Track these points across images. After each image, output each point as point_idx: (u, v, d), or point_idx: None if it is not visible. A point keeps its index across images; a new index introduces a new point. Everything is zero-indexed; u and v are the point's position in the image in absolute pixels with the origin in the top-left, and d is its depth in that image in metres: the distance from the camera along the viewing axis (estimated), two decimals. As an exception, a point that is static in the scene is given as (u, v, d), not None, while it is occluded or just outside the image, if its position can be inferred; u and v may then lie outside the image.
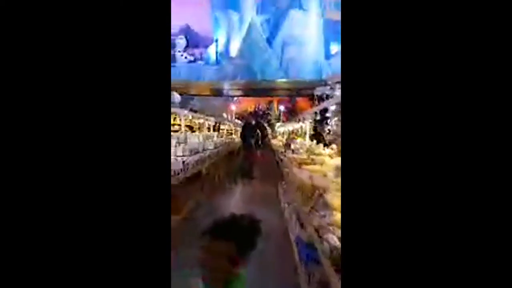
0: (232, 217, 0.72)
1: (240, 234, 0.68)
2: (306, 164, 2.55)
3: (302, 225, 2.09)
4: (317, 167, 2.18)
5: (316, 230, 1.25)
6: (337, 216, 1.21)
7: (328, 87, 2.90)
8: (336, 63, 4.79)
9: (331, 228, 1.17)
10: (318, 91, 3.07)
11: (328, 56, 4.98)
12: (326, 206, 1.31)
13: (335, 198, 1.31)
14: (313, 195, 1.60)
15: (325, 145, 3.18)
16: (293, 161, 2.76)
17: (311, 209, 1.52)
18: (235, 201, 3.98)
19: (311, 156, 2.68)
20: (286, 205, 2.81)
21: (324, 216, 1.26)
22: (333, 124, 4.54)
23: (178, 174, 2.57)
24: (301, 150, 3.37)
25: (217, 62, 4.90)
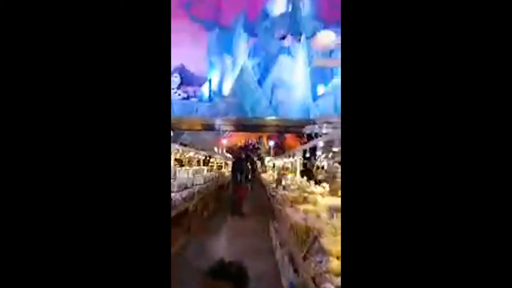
0: (221, 263, 0.70)
1: (231, 279, 0.67)
2: (298, 203, 2.52)
3: (295, 270, 1.96)
4: (310, 206, 2.15)
5: (313, 278, 1.17)
6: (334, 262, 1.15)
7: (317, 126, 3.06)
8: (323, 104, 5.15)
9: (327, 276, 1.11)
10: (307, 130, 3.22)
11: (315, 98, 5.37)
12: (322, 251, 1.26)
13: (330, 242, 1.27)
14: (307, 238, 1.55)
15: (316, 182, 3.20)
16: (285, 199, 2.72)
17: (306, 254, 1.45)
18: (224, 241, 3.74)
19: (303, 194, 2.66)
20: (279, 245, 2.67)
21: (320, 262, 1.20)
22: (322, 161, 4.65)
23: (165, 212, 2.43)
24: (292, 187, 3.35)
25: (210, 99, 5.13)
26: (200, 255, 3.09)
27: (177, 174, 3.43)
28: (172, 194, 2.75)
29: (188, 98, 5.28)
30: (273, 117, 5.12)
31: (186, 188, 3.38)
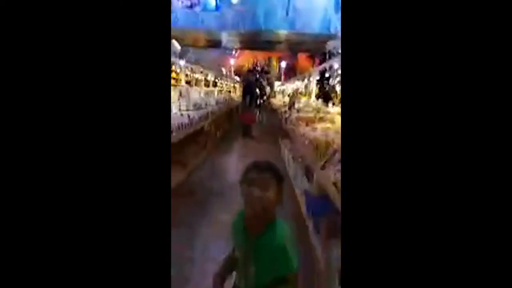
0: (256, 163, 0.72)
1: (271, 171, 0.70)
2: (314, 122, 2.53)
3: (308, 179, 2.19)
4: (327, 124, 2.16)
5: (334, 184, 1.29)
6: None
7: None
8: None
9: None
10: (330, 46, 2.83)
11: (338, 9, 4.44)
12: (344, 161, 1.33)
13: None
14: (326, 151, 1.62)
15: (334, 104, 3.11)
16: (300, 119, 2.73)
17: (325, 164, 1.55)
18: (236, 160, 4.06)
19: (320, 115, 2.64)
20: (292, 161, 2.89)
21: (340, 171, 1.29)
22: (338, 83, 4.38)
23: (184, 128, 2.53)
24: (306, 109, 3.31)
25: (217, 8, 4.33)
26: (214, 173, 3.42)
27: (190, 94, 3.36)
28: (190, 112, 2.78)
29: (191, 6, 4.47)
30: (290, 31, 4.44)
31: (200, 108, 3.39)
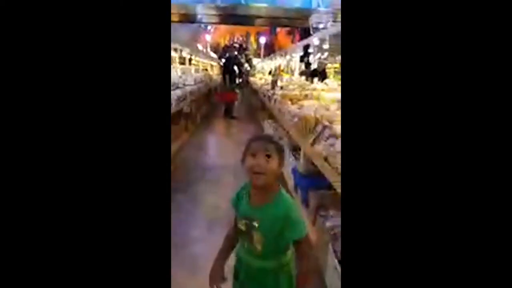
0: (257, 136, 0.76)
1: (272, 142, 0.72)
2: (299, 100, 2.50)
3: (295, 157, 2.21)
4: (313, 101, 2.15)
5: (325, 158, 1.30)
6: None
7: (329, 15, 2.54)
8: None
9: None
10: (313, 20, 2.71)
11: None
12: (334, 135, 1.34)
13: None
14: (315, 128, 1.62)
15: (319, 80, 3.09)
16: (284, 97, 2.69)
17: (315, 139, 1.55)
18: (219, 141, 3.97)
19: (305, 92, 2.61)
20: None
21: (333, 145, 1.29)
22: (318, 59, 4.33)
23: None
24: (291, 87, 3.26)
25: None
26: (200, 153, 3.33)
27: (166, 72, 3.11)
28: (167, 92, 2.58)
29: None
30: (270, 5, 4.19)
31: (178, 87, 3.17)
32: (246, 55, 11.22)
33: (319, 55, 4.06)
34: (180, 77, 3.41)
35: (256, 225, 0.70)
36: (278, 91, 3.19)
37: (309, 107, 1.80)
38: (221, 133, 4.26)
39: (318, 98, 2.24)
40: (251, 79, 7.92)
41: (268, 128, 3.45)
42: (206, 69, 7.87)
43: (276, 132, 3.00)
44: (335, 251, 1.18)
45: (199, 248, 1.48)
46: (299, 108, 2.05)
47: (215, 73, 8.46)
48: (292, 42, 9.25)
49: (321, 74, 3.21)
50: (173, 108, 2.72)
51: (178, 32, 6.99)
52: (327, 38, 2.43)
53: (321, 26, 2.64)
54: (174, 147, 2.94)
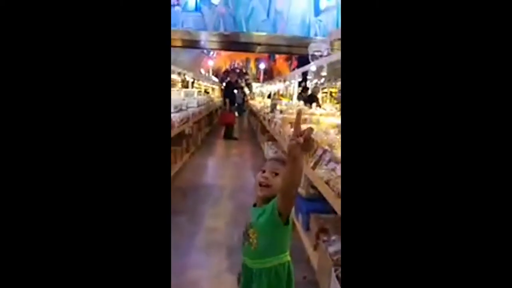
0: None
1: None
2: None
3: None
4: (313, 126, 2.23)
5: (327, 183, 1.33)
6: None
7: (326, 44, 2.75)
8: (326, 19, 4.53)
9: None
10: (312, 48, 2.93)
11: (317, 12, 4.62)
12: (335, 160, 1.38)
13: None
14: (316, 152, 1.67)
15: (318, 105, 3.22)
16: (284, 121, 2.78)
17: (314, 165, 1.59)
18: (219, 162, 4.00)
19: (304, 117, 2.72)
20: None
21: (334, 169, 1.34)
22: (315, 85, 4.54)
23: (167, 132, 2.42)
24: (290, 111, 3.38)
25: (197, 8, 4.23)
26: (199, 174, 3.34)
27: (172, 96, 3.24)
28: (172, 115, 2.67)
29: (171, 6, 4.34)
30: (270, 33, 4.51)
31: (181, 110, 3.27)
32: (246, 80, 11.69)
33: (316, 80, 4.27)
34: (184, 99, 3.53)
35: (254, 225, 0.79)
36: (278, 115, 3.30)
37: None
38: (221, 155, 4.29)
39: (317, 123, 2.33)
40: (251, 102, 8.17)
41: (268, 150, 3.50)
42: (208, 92, 8.14)
43: (276, 154, 3.05)
44: (337, 277, 1.16)
45: (197, 273, 1.44)
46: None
47: (216, 95, 8.74)
48: (290, 68, 9.72)
49: (316, 98, 3.36)
50: (176, 130, 2.79)
51: (182, 57, 7.35)
52: (325, 65, 2.59)
53: (318, 54, 2.83)
54: (175, 168, 2.96)
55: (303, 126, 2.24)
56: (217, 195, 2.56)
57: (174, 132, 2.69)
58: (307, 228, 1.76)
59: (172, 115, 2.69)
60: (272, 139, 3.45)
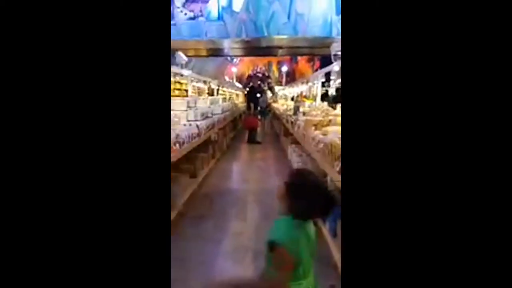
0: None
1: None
2: (323, 125, 2.52)
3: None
4: (337, 128, 2.15)
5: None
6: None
7: None
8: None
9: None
10: (334, 48, 2.85)
11: (339, 11, 4.50)
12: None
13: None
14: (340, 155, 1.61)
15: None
16: (308, 124, 2.73)
17: (340, 170, 1.53)
18: (244, 167, 4.05)
19: (329, 118, 2.64)
20: (302, 166, 2.87)
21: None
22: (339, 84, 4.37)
23: (194, 138, 2.54)
24: (313, 112, 3.30)
25: (219, 17, 4.42)
26: (224, 179, 3.41)
27: (197, 103, 3.39)
28: (198, 122, 2.80)
29: (194, 18, 4.57)
30: (291, 36, 4.49)
31: (207, 117, 3.41)
32: (268, 83, 11.73)
33: (339, 80, 4.12)
34: (209, 107, 3.67)
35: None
36: (301, 117, 3.25)
37: (335, 133, 1.81)
38: (246, 160, 4.35)
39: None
40: (274, 105, 8.17)
41: (292, 153, 3.46)
42: (232, 98, 8.36)
43: (300, 157, 3.00)
44: None
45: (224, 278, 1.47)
46: (323, 134, 2.07)
47: (240, 101, 8.93)
48: (312, 69, 9.52)
49: (340, 98, 3.22)
50: (202, 137, 2.91)
51: (207, 65, 7.67)
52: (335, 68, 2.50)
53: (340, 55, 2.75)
54: (202, 174, 3.08)
55: (328, 128, 2.20)
56: (243, 200, 2.60)
57: (201, 139, 2.82)
58: (334, 235, 1.70)
59: (198, 122, 2.81)
60: (295, 141, 3.41)
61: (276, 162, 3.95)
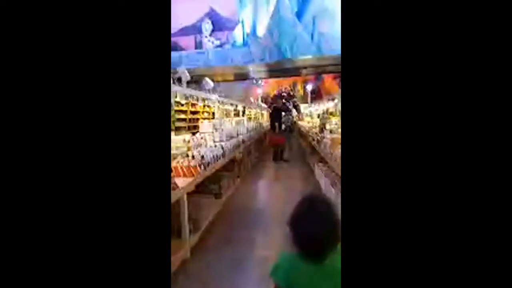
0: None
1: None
2: (351, 143, 2.40)
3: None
4: (367, 146, 2.02)
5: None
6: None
7: None
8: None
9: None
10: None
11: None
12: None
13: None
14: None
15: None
16: (334, 142, 2.63)
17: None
18: (270, 186, 3.99)
19: (356, 135, 2.51)
20: (329, 185, 2.72)
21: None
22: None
23: (218, 159, 2.61)
24: (340, 130, 3.18)
25: (244, 43, 4.73)
26: (249, 199, 3.38)
27: (223, 125, 3.53)
28: (223, 143, 2.89)
29: (221, 45, 4.98)
30: (315, 55, 4.55)
31: (232, 137, 3.51)
32: (293, 102, 11.80)
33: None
34: (234, 128, 3.79)
35: None
36: (327, 135, 3.15)
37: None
38: (271, 178, 4.29)
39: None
40: (300, 123, 8.10)
41: (319, 171, 3.31)
42: (257, 118, 8.54)
43: (327, 177, 2.86)
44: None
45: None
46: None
47: (265, 120, 9.07)
48: (339, 85, 9.37)
49: None
50: (227, 156, 2.97)
51: (234, 89, 8.09)
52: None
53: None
54: (228, 192, 3.10)
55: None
56: (268, 221, 2.52)
57: (225, 159, 2.88)
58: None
59: (223, 143, 2.90)
60: (322, 160, 3.27)
61: (302, 181, 3.81)
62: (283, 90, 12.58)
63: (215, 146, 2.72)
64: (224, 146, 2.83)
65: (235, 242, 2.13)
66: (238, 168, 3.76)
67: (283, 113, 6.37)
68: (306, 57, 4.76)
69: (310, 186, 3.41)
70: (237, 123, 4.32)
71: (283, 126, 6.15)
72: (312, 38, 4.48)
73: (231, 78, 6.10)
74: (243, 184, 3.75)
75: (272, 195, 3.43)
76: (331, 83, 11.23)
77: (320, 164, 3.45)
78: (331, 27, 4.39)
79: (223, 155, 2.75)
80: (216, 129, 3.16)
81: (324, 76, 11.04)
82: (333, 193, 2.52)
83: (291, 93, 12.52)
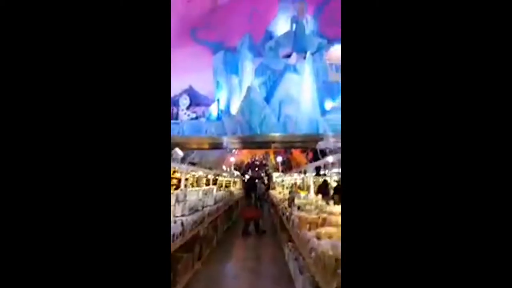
0: None
1: None
2: (317, 225, 2.35)
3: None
4: (332, 229, 1.99)
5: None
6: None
7: (331, 141, 2.94)
8: (332, 118, 5.08)
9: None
10: (320, 145, 3.11)
11: (323, 112, 5.30)
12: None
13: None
14: (336, 271, 1.39)
15: (335, 202, 3.03)
16: (302, 221, 2.56)
17: (337, 287, 1.29)
18: (236, 270, 3.51)
19: (322, 215, 2.50)
20: (298, 272, 2.46)
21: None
22: (333, 177, 4.48)
23: (176, 238, 2.30)
24: (308, 207, 3.18)
25: (219, 118, 5.18)
26: (210, 286, 2.89)
27: (187, 196, 3.32)
28: (183, 218, 2.63)
29: (197, 118, 5.41)
30: (282, 134, 5.05)
31: (196, 210, 3.25)
32: (266, 170, 12.11)
33: (334, 177, 4.24)
34: (200, 199, 3.58)
35: None
36: (295, 212, 3.09)
37: (328, 242, 1.64)
38: (238, 259, 3.82)
39: (338, 225, 2.10)
40: (271, 192, 8.07)
41: (290, 255, 3.06)
42: (228, 185, 8.36)
43: (297, 261, 2.62)
44: None
45: None
46: (317, 237, 1.88)
47: (236, 187, 8.89)
48: (307, 158, 10.08)
49: (330, 196, 3.21)
50: (188, 234, 2.66)
51: (207, 156, 8.16)
52: (336, 160, 2.62)
53: (328, 150, 2.95)
54: (184, 280, 2.60)
55: (322, 230, 2.05)
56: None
57: (185, 237, 2.56)
58: None
59: (184, 218, 2.65)
60: (293, 241, 3.08)
61: (273, 264, 3.43)
62: (256, 159, 13.05)
63: (175, 222, 2.45)
64: (184, 222, 2.56)
65: None
66: (200, 247, 3.33)
67: (256, 180, 6.37)
68: (274, 134, 5.24)
69: (278, 270, 3.06)
70: (205, 193, 4.11)
71: (259, 196, 6.04)
72: (278, 119, 5.09)
73: (206, 147, 6.28)
74: (204, 267, 3.24)
75: (237, 283, 2.96)
76: (300, 155, 12.06)
77: (289, 244, 3.23)
78: (295, 111, 5.10)
79: (182, 233, 2.46)
80: (178, 202, 2.93)
81: (293, 150, 11.93)
82: (300, 282, 2.26)
83: (264, 162, 13.00)
